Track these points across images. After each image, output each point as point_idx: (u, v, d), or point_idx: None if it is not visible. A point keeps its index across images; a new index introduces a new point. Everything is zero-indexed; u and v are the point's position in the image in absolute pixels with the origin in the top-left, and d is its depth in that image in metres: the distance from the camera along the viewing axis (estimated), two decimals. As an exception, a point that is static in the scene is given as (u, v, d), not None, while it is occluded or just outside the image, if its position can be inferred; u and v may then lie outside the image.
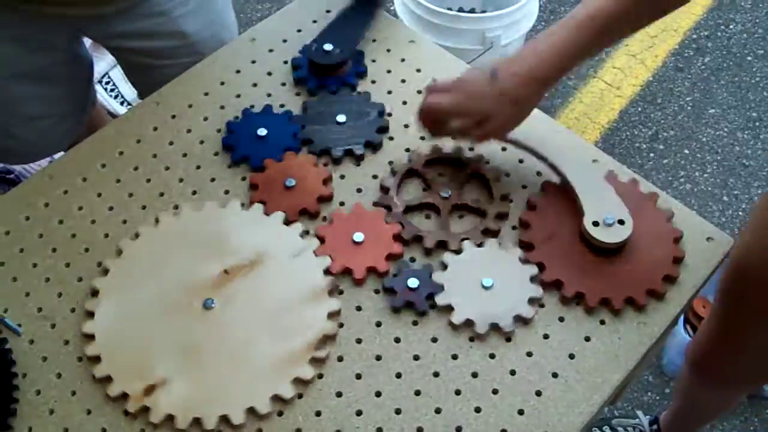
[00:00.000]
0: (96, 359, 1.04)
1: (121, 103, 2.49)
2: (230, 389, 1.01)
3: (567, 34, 1.04)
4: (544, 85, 1.08)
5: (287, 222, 1.14)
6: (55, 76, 1.49)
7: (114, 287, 1.10)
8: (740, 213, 2.37)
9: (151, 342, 1.05)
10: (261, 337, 1.05)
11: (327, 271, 1.09)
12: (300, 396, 1.01)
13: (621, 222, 1.09)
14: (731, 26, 2.83)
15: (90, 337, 1.06)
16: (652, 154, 2.49)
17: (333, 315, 1.06)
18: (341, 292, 1.09)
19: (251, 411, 0.99)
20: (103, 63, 2.46)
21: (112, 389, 1.01)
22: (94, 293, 1.09)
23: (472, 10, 2.61)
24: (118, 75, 2.53)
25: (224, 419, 0.99)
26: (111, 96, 2.47)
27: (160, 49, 1.46)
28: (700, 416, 1.81)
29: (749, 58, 2.74)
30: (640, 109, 2.61)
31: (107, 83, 2.51)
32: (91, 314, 1.08)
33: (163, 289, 1.09)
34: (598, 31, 1.03)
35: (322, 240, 1.12)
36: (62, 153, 1.74)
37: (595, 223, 1.09)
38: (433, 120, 1.14)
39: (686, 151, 2.51)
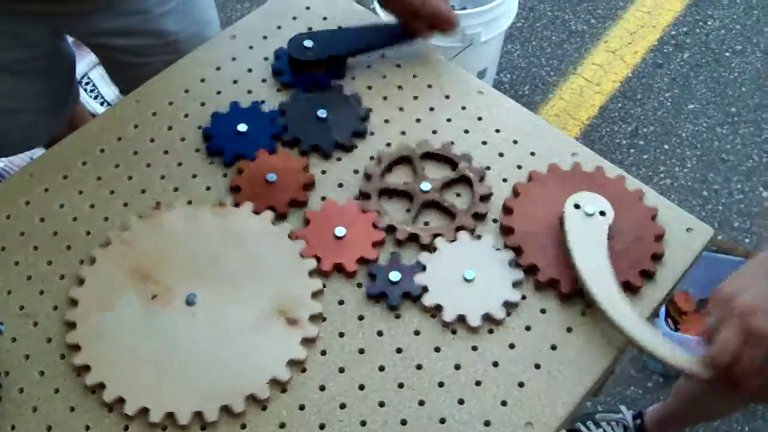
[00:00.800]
0: (76, 348, 1.04)
1: (101, 104, 2.48)
2: (206, 385, 1.01)
3: None
4: None
5: (276, 220, 1.15)
6: (35, 70, 1.48)
7: (99, 277, 1.10)
8: (720, 207, 2.39)
9: (132, 334, 1.05)
10: (240, 338, 1.05)
11: (314, 272, 1.09)
12: (283, 390, 1.01)
13: (602, 213, 1.10)
14: (709, 22, 2.85)
15: (71, 325, 1.06)
16: (632, 150, 2.51)
17: (315, 318, 1.06)
18: (324, 286, 1.09)
19: (225, 409, 0.99)
20: (83, 64, 2.45)
21: (90, 378, 1.01)
22: (80, 281, 1.10)
23: (452, 8, 2.61)
24: (97, 76, 2.52)
25: (198, 415, 0.99)
26: (91, 97, 2.46)
27: (141, 47, 1.46)
28: (696, 418, 1.82)
29: (727, 54, 2.76)
30: (620, 105, 2.62)
31: (87, 84, 2.51)
32: (74, 302, 1.08)
33: (145, 282, 1.09)
34: None
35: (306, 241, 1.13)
36: (42, 150, 1.74)
37: (576, 206, 1.09)
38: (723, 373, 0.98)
39: (666, 147, 2.52)
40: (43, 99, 1.56)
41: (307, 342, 1.04)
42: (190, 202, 1.17)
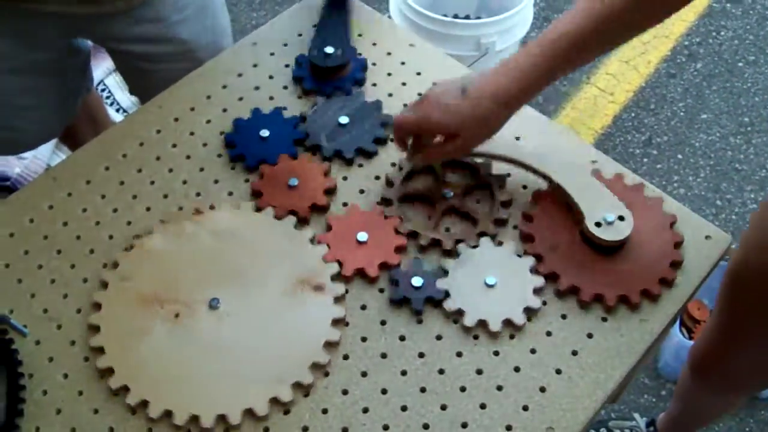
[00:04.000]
0: (100, 350, 1.05)
1: (117, 110, 2.49)
2: (230, 388, 1.02)
3: (535, 57, 1.02)
4: (512, 106, 1.06)
5: (298, 224, 1.15)
6: (50, 69, 1.50)
7: (122, 281, 1.11)
8: (733, 217, 2.39)
9: (156, 337, 1.06)
10: (264, 342, 1.05)
11: (336, 277, 1.10)
12: (306, 394, 1.02)
13: (621, 218, 1.10)
14: (722, 33, 2.85)
15: (95, 329, 1.07)
16: (645, 159, 2.51)
17: (338, 322, 1.07)
18: (346, 291, 1.10)
19: (248, 412, 1.00)
20: (99, 71, 2.47)
21: (113, 381, 1.02)
22: (103, 285, 1.11)
23: (467, 17, 2.63)
24: (113, 83, 2.53)
25: (221, 418, 1.00)
26: (107, 103, 2.47)
27: (157, 53, 1.47)
28: (699, 419, 1.82)
29: (740, 64, 2.77)
30: (633, 114, 2.63)
31: (103, 90, 2.52)
32: (98, 306, 1.09)
33: (169, 287, 1.10)
34: (564, 53, 1.01)
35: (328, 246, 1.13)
36: (65, 156, 1.74)
37: (598, 224, 1.10)
38: (400, 137, 1.14)
39: (679, 156, 2.53)
40: (57, 95, 1.58)
41: (330, 346, 1.05)
42: (212, 207, 1.17)
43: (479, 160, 1.21)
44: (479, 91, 1.04)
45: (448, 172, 1.21)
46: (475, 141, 1.12)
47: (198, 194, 1.20)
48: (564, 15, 1.01)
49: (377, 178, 1.21)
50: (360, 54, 1.35)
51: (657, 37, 2.82)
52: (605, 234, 1.09)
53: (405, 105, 1.28)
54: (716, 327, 1.41)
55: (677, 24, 2.86)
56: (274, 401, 1.01)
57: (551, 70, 1.03)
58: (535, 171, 1.18)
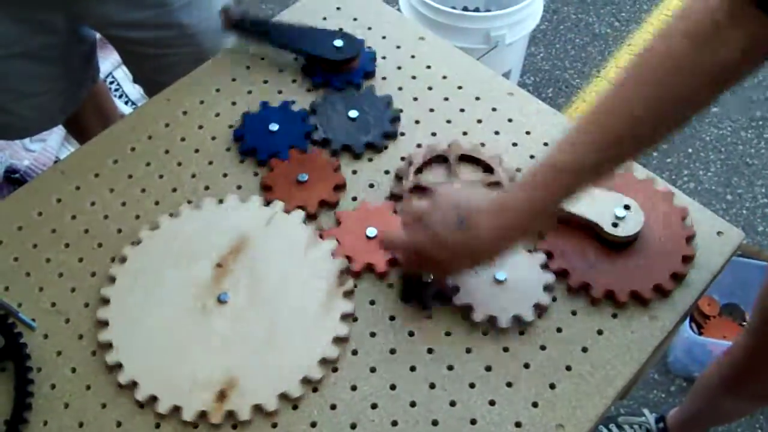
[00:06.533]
0: (108, 346, 1.05)
1: (126, 103, 2.49)
2: (239, 383, 1.01)
3: (539, 192, 0.93)
4: (507, 247, 0.98)
5: (307, 219, 1.15)
6: (54, 56, 1.50)
7: (130, 276, 1.10)
8: (744, 212, 2.38)
9: (165, 333, 1.06)
10: (272, 337, 1.05)
11: (345, 272, 1.10)
12: (315, 390, 1.01)
13: (627, 207, 1.10)
14: (734, 26, 2.83)
15: (104, 324, 1.07)
16: (655, 153, 2.50)
17: (346, 317, 1.06)
18: (355, 286, 1.09)
19: (257, 408, 1.00)
20: (107, 63, 2.47)
21: (122, 377, 1.02)
22: (111, 280, 1.10)
23: (477, 9, 2.62)
24: (122, 75, 2.53)
25: (230, 413, 1.00)
26: (115, 96, 2.47)
27: (159, 38, 1.47)
28: (718, 421, 1.81)
29: (752, 57, 2.75)
30: (643, 108, 2.61)
31: (111, 83, 2.52)
32: (106, 301, 1.08)
33: (178, 281, 1.10)
34: (567, 188, 0.93)
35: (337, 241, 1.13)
36: (74, 149, 1.74)
37: (615, 225, 1.09)
38: (386, 248, 1.11)
39: (690, 150, 2.51)
40: (61, 82, 1.58)
41: (339, 341, 1.04)
42: (221, 201, 1.17)
43: (490, 156, 1.20)
44: (476, 228, 0.95)
45: (461, 166, 1.20)
46: (460, 271, 1.07)
47: (207, 188, 1.20)
48: (567, 138, 0.91)
49: (387, 172, 1.21)
50: (369, 47, 1.34)
51: (668, 30, 2.80)
52: (622, 231, 1.09)
53: (415, 99, 1.28)
54: (752, 338, 1.39)
55: (688, 17, 2.84)
56: (283, 396, 1.00)
57: (556, 203, 0.94)
58: None
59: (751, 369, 1.43)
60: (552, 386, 1.01)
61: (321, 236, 1.13)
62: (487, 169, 1.19)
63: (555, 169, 0.91)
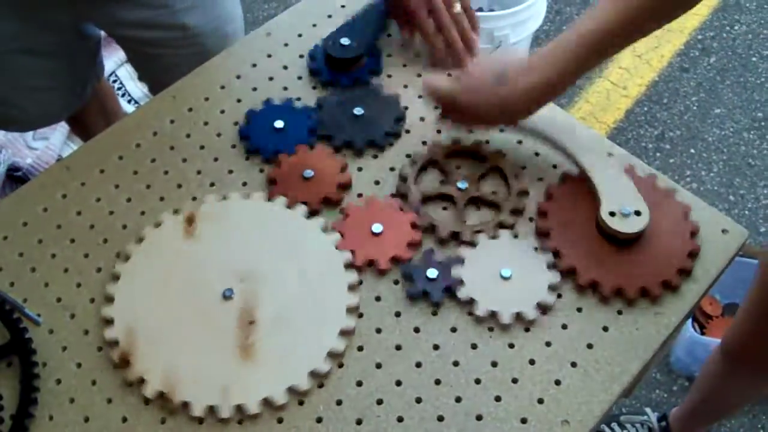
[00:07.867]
0: (114, 343, 1.05)
1: (129, 102, 2.50)
2: (246, 379, 1.02)
3: (571, 53, 1.06)
4: (542, 102, 1.11)
5: (309, 215, 1.15)
6: (58, 53, 1.50)
7: (134, 273, 1.10)
8: (746, 212, 2.38)
9: (171, 328, 1.06)
10: (278, 331, 1.05)
11: (349, 265, 1.10)
12: (321, 385, 1.02)
13: (638, 213, 1.10)
14: (736, 27, 2.84)
15: (109, 322, 1.07)
16: (658, 154, 2.50)
17: (352, 310, 1.06)
18: (360, 282, 1.09)
19: (265, 402, 1.00)
20: (111, 62, 2.47)
21: (130, 374, 1.02)
22: (115, 278, 1.10)
23: (480, 9, 2.62)
24: (125, 74, 2.54)
25: (238, 408, 1.00)
26: (118, 94, 2.48)
27: (163, 39, 1.48)
28: (721, 410, 1.81)
29: (754, 58, 2.76)
30: (646, 108, 2.62)
31: (114, 81, 2.52)
32: (111, 299, 1.08)
33: (182, 278, 1.10)
34: (597, 48, 1.06)
35: (341, 235, 1.13)
36: (77, 146, 1.75)
37: (612, 213, 1.09)
38: (428, 94, 1.21)
39: (692, 151, 2.52)
40: (65, 79, 1.58)
41: (345, 335, 1.04)
42: (225, 197, 1.17)
43: (489, 149, 1.21)
44: (513, 83, 1.09)
45: (461, 162, 1.20)
46: (496, 125, 1.19)
47: (212, 184, 1.20)
48: (594, 9, 1.05)
49: (392, 169, 1.21)
50: (377, 47, 1.34)
51: (670, 31, 2.81)
52: (618, 225, 1.09)
53: (420, 96, 1.28)
54: (753, 307, 1.41)
55: (690, 18, 2.85)
56: (291, 390, 1.00)
57: (583, 67, 1.07)
58: (563, 149, 1.18)
59: (753, 337, 1.45)
60: (557, 382, 1.01)
61: (325, 230, 1.13)
62: (493, 166, 1.20)
63: (579, 34, 1.05)
